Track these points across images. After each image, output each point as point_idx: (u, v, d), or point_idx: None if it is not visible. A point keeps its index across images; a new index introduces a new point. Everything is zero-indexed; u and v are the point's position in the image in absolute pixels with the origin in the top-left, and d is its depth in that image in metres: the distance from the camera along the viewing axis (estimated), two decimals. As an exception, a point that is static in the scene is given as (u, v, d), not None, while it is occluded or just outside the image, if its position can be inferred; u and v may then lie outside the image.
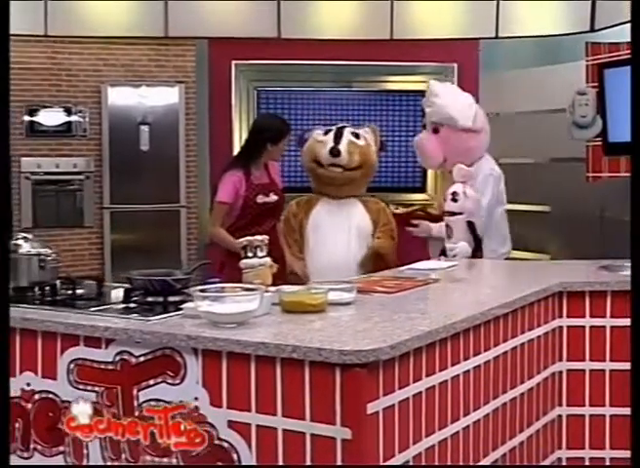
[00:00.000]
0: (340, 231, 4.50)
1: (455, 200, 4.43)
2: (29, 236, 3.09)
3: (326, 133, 4.80)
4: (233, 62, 7.20)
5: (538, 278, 3.59)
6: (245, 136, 7.30)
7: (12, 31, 6.62)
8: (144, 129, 7.10)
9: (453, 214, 4.43)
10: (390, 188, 7.12)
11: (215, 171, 7.31)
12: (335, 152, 4.56)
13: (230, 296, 2.65)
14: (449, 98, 5.13)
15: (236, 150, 7.19)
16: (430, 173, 7.41)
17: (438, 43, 7.04)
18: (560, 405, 3.47)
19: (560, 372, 3.47)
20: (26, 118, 7.01)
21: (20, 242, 3.07)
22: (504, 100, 7.48)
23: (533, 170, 7.41)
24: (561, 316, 3.46)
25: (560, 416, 3.47)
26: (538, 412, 3.32)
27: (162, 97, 7.19)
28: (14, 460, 2.82)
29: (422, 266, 3.88)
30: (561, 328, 3.46)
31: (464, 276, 3.96)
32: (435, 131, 5.07)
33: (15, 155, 7.00)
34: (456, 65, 7.27)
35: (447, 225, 4.48)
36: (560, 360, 3.46)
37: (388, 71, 7.41)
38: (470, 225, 4.41)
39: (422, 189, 7.36)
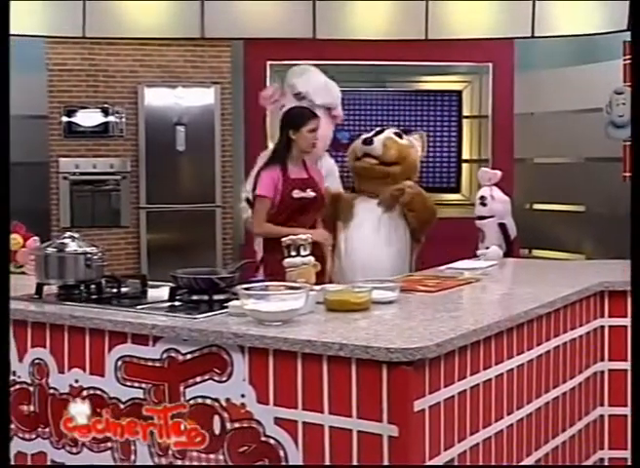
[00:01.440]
0: (376, 230, 4.49)
1: (483, 204, 4.45)
2: (76, 235, 3.13)
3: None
4: (268, 63, 7.24)
5: (578, 277, 3.59)
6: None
7: (50, 33, 6.75)
8: (180, 129, 7.15)
9: (483, 217, 4.45)
10: (424, 188, 7.07)
11: (250, 171, 7.34)
12: (367, 141, 4.56)
13: (276, 295, 2.68)
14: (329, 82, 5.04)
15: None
16: (465, 173, 7.41)
17: (473, 43, 7.02)
18: (602, 405, 3.47)
19: (602, 372, 3.46)
20: (64, 119, 7.08)
21: (66, 241, 3.10)
22: (540, 100, 7.47)
23: (568, 169, 7.40)
24: (603, 315, 3.45)
25: (602, 416, 3.47)
26: (580, 412, 3.32)
27: (198, 98, 7.24)
28: (63, 455, 2.87)
29: (462, 265, 3.89)
30: (603, 327, 3.45)
31: (505, 275, 3.96)
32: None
33: (53, 155, 7.09)
34: (491, 65, 7.26)
35: (479, 229, 4.50)
36: (602, 360, 3.46)
37: (423, 71, 7.42)
38: (502, 227, 4.42)
39: (457, 189, 7.36)
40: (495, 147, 7.35)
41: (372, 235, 4.52)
